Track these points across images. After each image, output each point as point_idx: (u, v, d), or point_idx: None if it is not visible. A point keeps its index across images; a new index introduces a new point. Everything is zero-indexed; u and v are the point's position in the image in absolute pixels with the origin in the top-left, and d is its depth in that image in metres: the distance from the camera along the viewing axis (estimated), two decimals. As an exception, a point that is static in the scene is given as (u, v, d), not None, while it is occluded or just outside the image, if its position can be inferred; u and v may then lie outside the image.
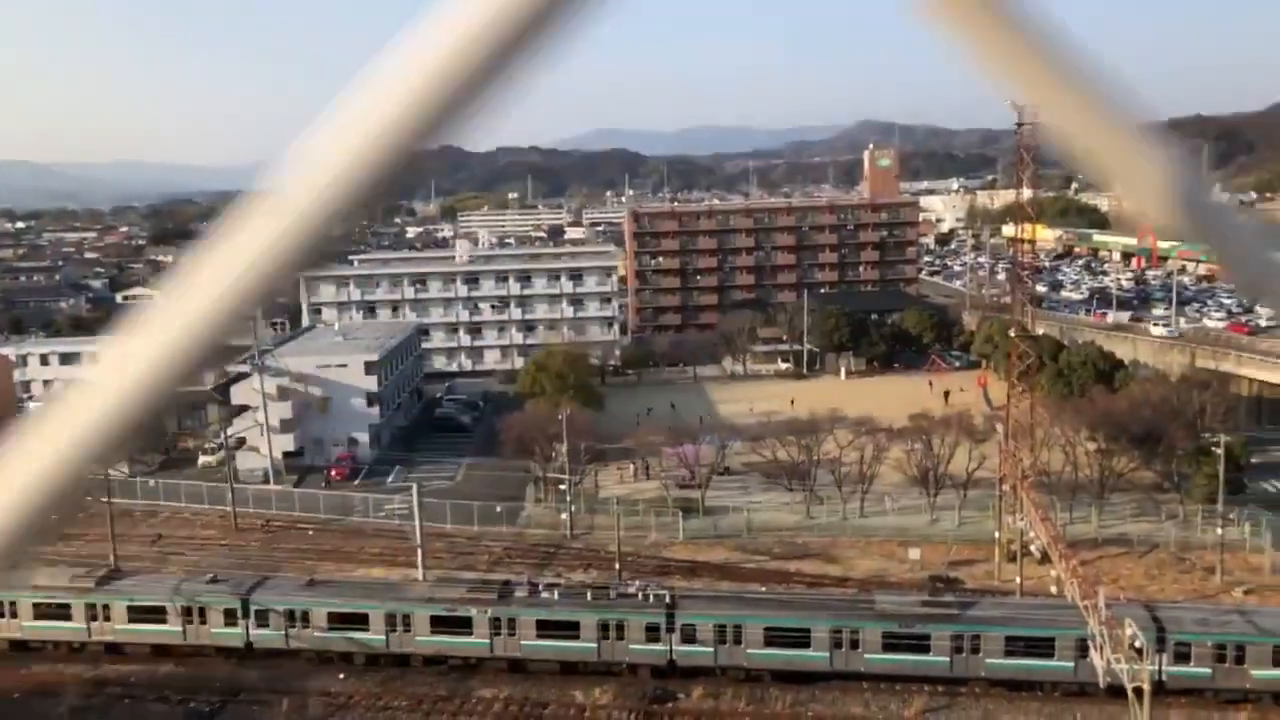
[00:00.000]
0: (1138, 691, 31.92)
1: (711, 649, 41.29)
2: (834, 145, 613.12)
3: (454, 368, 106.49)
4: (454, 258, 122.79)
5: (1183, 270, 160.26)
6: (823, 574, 52.51)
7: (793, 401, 79.12)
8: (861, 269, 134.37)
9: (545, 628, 42.55)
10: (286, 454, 71.23)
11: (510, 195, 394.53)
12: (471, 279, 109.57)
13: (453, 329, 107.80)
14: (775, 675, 41.01)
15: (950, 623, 38.97)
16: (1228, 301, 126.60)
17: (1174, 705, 37.53)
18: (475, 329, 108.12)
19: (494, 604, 43.34)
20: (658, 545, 57.12)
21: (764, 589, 48.53)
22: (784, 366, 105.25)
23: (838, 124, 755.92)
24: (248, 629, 44.23)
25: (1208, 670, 37.51)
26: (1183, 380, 72.91)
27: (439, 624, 43.26)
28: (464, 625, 42.97)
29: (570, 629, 42.45)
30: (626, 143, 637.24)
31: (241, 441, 71.41)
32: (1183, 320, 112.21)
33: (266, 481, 68.34)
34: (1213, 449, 53.55)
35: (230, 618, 44.37)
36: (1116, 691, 34.21)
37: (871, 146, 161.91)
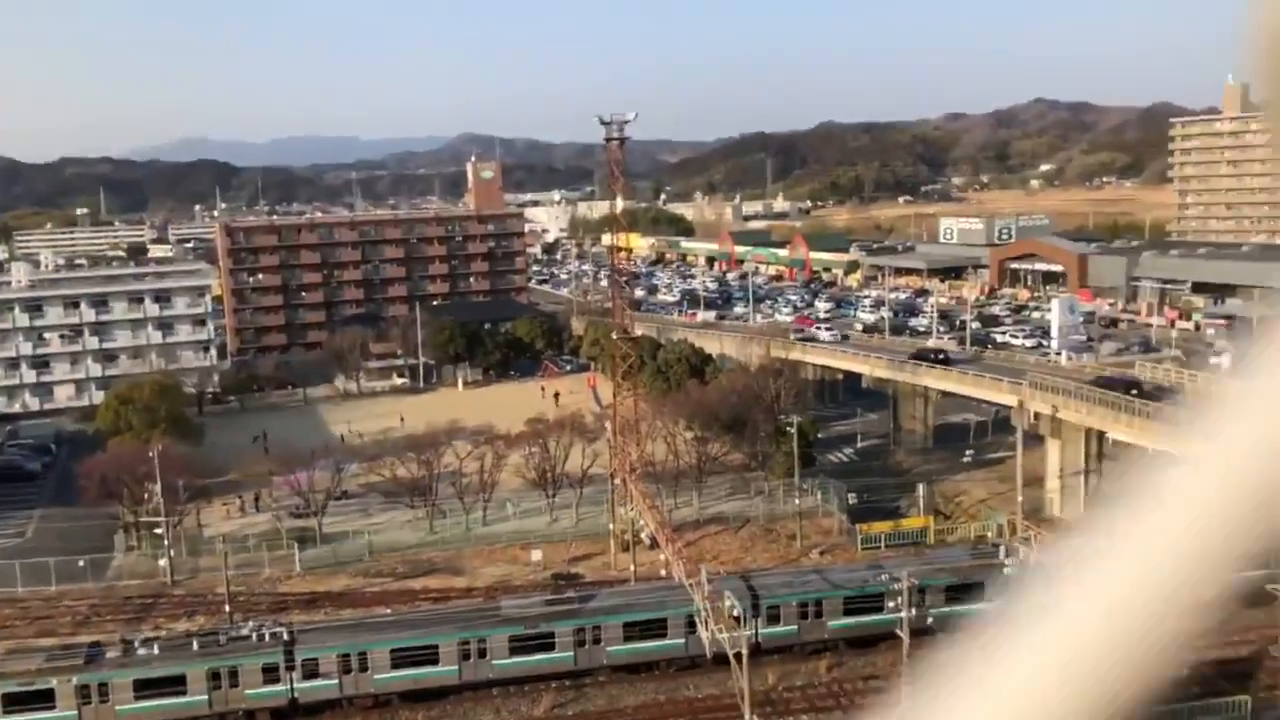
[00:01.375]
0: (738, 656, 35.07)
1: (336, 681, 39.63)
2: (438, 157, 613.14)
3: (17, 408, 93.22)
4: (10, 283, 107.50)
5: (756, 272, 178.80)
6: (449, 587, 52.31)
7: (402, 419, 77.90)
8: (472, 280, 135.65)
9: (145, 687, 38.51)
10: None
11: (79, 211, 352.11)
12: (34, 306, 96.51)
13: (13, 364, 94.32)
14: (405, 696, 40.23)
15: (572, 618, 40.45)
16: (793, 298, 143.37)
17: (769, 663, 41.71)
18: (42, 363, 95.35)
19: (80, 670, 38.52)
20: (273, 580, 53.84)
21: (389, 611, 47.44)
22: (401, 381, 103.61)
23: (441, 136, 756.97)
24: None
25: (794, 627, 42.10)
26: (761, 370, 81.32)
27: (11, 703, 37.68)
28: (44, 699, 37.76)
29: (175, 684, 38.79)
30: (215, 153, 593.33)
31: None
32: (759, 316, 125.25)
33: None
34: (788, 429, 60.13)
35: None
36: (722, 659, 37.33)
37: (474, 159, 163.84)
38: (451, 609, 46.03)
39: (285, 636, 40.34)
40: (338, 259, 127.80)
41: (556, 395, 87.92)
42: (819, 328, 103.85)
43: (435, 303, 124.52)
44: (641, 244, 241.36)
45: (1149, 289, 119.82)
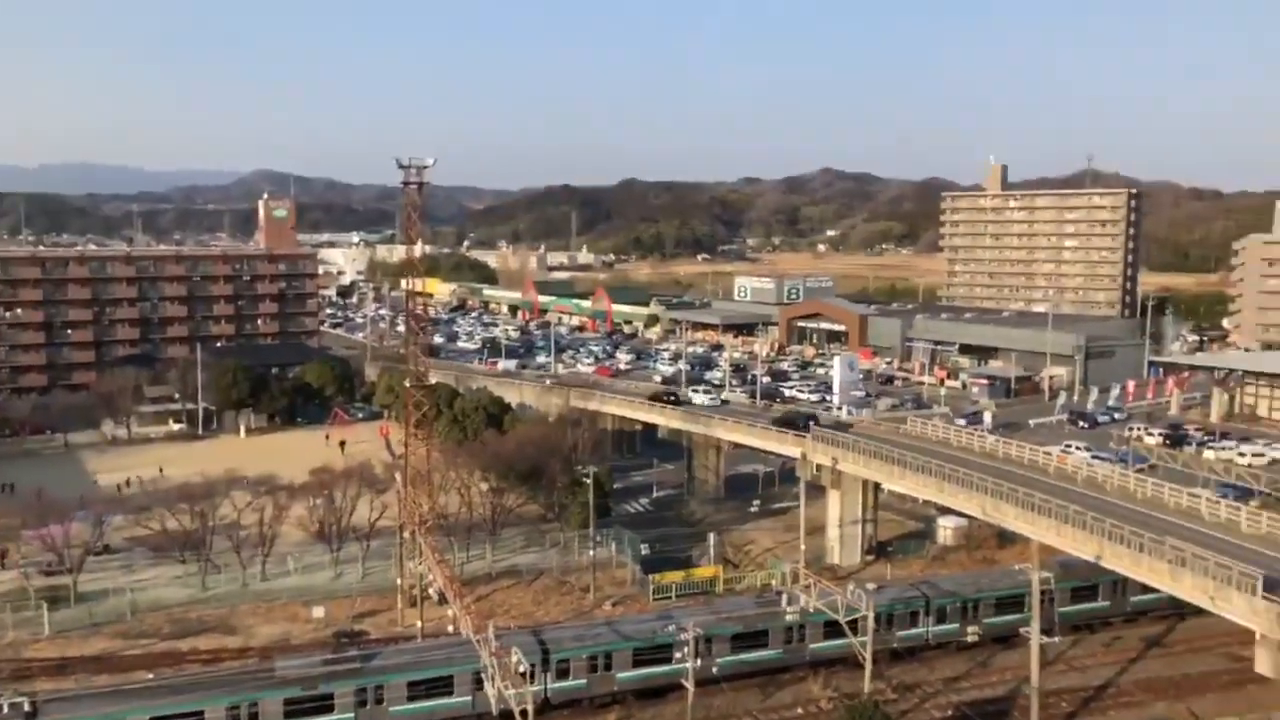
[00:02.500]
0: (524, 713, 34.48)
1: (85, 756, 36.11)
2: (230, 193, 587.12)
3: None
4: None
5: (560, 322, 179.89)
6: (221, 648, 49.05)
7: (161, 469, 72.86)
8: (260, 321, 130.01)
9: None
10: None
11: None
12: None
13: None
14: (164, 769, 37.07)
15: (353, 678, 38.64)
16: (595, 349, 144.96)
17: (558, 718, 41.27)
18: None
19: None
20: (17, 645, 48.85)
21: (151, 675, 43.86)
22: (177, 427, 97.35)
23: (233, 171, 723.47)
24: None
25: (584, 681, 41.81)
26: (559, 419, 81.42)
27: None
28: None
29: (-111, 768, 34.32)
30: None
31: None
32: (561, 366, 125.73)
33: None
34: (584, 480, 60.28)
35: None
36: (509, 716, 36.52)
37: (266, 196, 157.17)
38: (222, 671, 43.04)
39: (26, 707, 36.52)
40: (111, 295, 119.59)
41: (342, 444, 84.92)
42: (694, 391, 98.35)
43: (219, 345, 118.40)
44: (443, 290, 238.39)
45: (921, 349, 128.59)
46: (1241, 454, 76.24)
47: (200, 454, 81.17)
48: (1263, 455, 76.82)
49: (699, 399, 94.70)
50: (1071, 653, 48.09)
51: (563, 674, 41.43)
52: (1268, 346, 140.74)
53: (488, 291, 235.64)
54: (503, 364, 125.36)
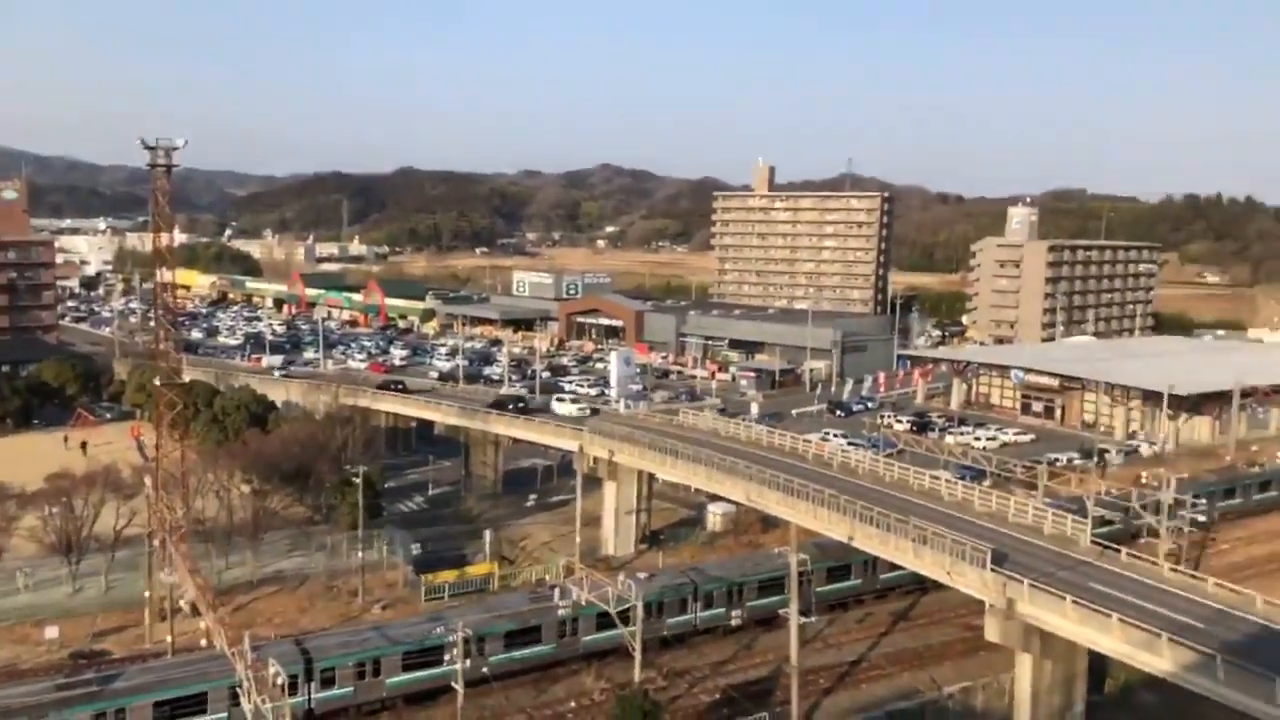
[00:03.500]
0: (284, 727, 32.80)
1: None
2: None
3: None
4: None
5: (329, 316, 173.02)
6: (-66, 679, 43.90)
7: None
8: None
9: None
10: None
11: None
12: None
13: None
14: None
15: (88, 702, 35.48)
16: (368, 344, 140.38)
17: (322, 729, 39.61)
18: None
19: None
20: None
21: None
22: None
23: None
24: None
25: (350, 689, 40.29)
26: (328, 417, 78.27)
27: None
28: None
29: None
30: None
31: None
32: (330, 362, 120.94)
33: None
34: (353, 479, 58.18)
35: None
36: (269, 730, 34.67)
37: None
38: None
39: None
40: None
41: (84, 445, 78.21)
42: (559, 400, 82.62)
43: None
44: (202, 282, 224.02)
45: (694, 344, 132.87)
46: (977, 438, 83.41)
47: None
48: (995, 439, 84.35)
49: (564, 409, 78.70)
50: (827, 631, 50.90)
51: (327, 683, 39.80)
52: (999, 340, 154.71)
53: (251, 284, 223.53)
54: (267, 360, 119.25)
